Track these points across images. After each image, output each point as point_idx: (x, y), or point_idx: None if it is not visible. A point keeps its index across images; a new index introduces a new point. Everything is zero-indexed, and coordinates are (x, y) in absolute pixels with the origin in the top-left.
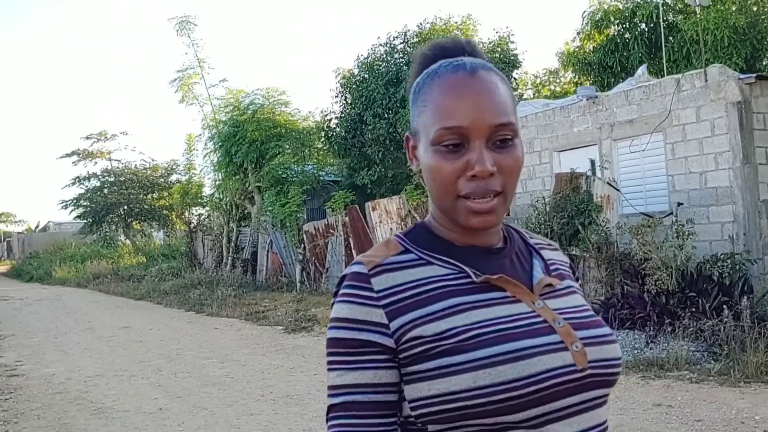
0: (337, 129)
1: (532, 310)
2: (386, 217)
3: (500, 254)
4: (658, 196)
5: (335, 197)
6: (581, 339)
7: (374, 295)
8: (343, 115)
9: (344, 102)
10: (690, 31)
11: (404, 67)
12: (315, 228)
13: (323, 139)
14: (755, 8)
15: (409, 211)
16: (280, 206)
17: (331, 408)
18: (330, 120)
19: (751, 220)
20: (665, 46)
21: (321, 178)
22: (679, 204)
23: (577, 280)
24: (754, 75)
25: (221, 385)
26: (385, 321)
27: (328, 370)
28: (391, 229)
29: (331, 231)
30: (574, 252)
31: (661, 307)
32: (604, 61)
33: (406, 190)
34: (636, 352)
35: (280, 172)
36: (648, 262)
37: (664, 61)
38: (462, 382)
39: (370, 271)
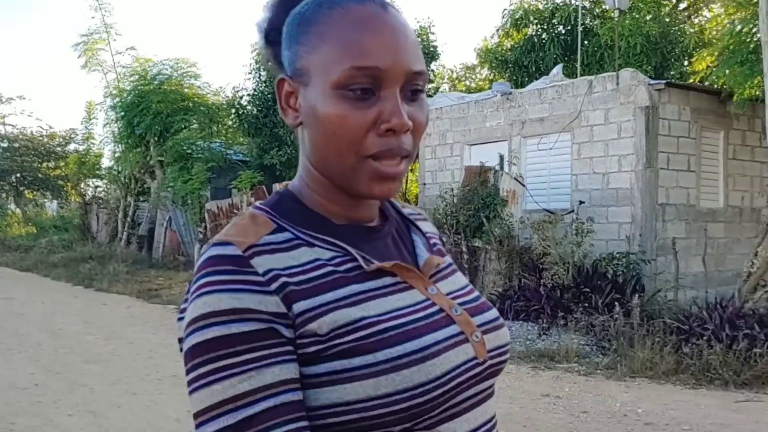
0: (249, 107)
1: (427, 298)
2: None
3: (382, 232)
4: (562, 194)
5: (242, 176)
6: (478, 326)
7: (261, 279)
8: (256, 93)
9: (258, 79)
10: (605, 36)
11: None
12: (218, 207)
13: (233, 116)
14: (668, 19)
15: None
16: (182, 183)
17: (244, 424)
18: (242, 97)
19: (648, 222)
20: (580, 49)
21: (228, 156)
22: (581, 202)
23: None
24: (664, 81)
25: (105, 362)
26: (283, 309)
27: (207, 383)
28: None
29: (235, 211)
30: (477, 244)
31: (555, 301)
32: (520, 60)
33: None
34: (528, 343)
35: (184, 148)
36: (547, 257)
37: (578, 64)
38: (360, 391)
39: (245, 253)
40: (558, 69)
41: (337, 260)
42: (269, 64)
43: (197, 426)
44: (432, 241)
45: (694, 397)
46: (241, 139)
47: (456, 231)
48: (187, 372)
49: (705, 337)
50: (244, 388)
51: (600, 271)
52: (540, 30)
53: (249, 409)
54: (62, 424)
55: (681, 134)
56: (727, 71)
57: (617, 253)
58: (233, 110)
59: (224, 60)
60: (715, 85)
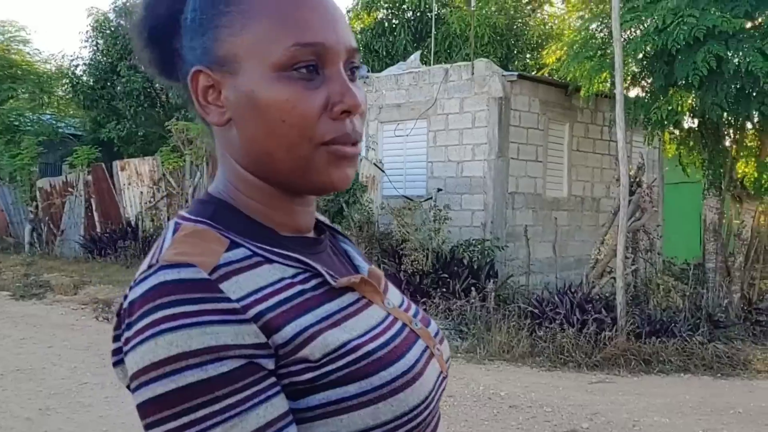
0: (84, 77)
1: (388, 314)
2: (137, 179)
3: (324, 244)
4: (418, 180)
5: (78, 152)
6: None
7: (236, 306)
8: (92, 63)
9: (95, 48)
10: (455, 24)
11: None
12: (51, 185)
13: (67, 86)
14: (513, 11)
15: (164, 175)
16: (9, 158)
17: None
18: (77, 66)
19: (498, 209)
20: (433, 36)
21: (60, 130)
22: (439, 190)
23: None
24: (516, 73)
25: None
26: (263, 339)
27: None
28: (141, 192)
29: (69, 190)
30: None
31: (415, 287)
32: (371, 44)
33: (161, 151)
34: None
35: (12, 119)
36: (406, 243)
37: (432, 51)
38: (358, 422)
39: (212, 275)
40: (416, 56)
41: (301, 277)
42: (151, 67)
43: None
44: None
45: (551, 379)
46: (73, 112)
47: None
48: (150, 426)
49: (557, 321)
50: None
51: (457, 257)
52: (390, 15)
53: None
54: None
55: (530, 125)
56: (577, 66)
57: (473, 239)
58: (67, 80)
59: (57, 26)
60: (564, 79)
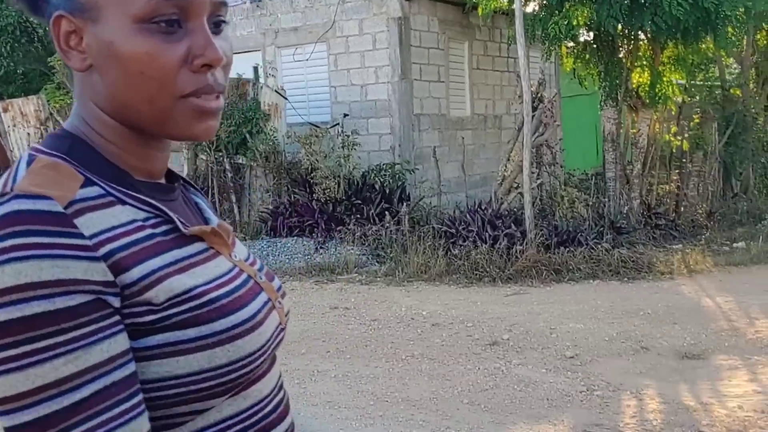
0: None
1: (234, 265)
2: (22, 120)
3: (176, 191)
4: (322, 106)
5: None
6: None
7: (88, 243)
8: None
9: None
10: None
11: None
12: None
13: None
14: None
15: (51, 114)
16: None
17: (72, 410)
18: None
19: (406, 132)
20: None
21: None
22: (345, 115)
23: None
24: None
25: None
26: (110, 278)
27: (20, 366)
28: (29, 134)
29: None
30: (241, 161)
31: (328, 215)
32: None
33: (46, 89)
34: (307, 258)
35: None
36: (316, 172)
37: None
38: (193, 364)
39: (67, 209)
40: None
41: (152, 221)
42: (19, 3)
43: (1, 414)
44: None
45: (469, 295)
46: None
47: (217, 148)
48: None
49: (470, 239)
50: (70, 371)
51: (369, 183)
52: None
53: (76, 393)
54: None
55: (431, 45)
56: None
57: (383, 164)
58: None
59: None
60: None
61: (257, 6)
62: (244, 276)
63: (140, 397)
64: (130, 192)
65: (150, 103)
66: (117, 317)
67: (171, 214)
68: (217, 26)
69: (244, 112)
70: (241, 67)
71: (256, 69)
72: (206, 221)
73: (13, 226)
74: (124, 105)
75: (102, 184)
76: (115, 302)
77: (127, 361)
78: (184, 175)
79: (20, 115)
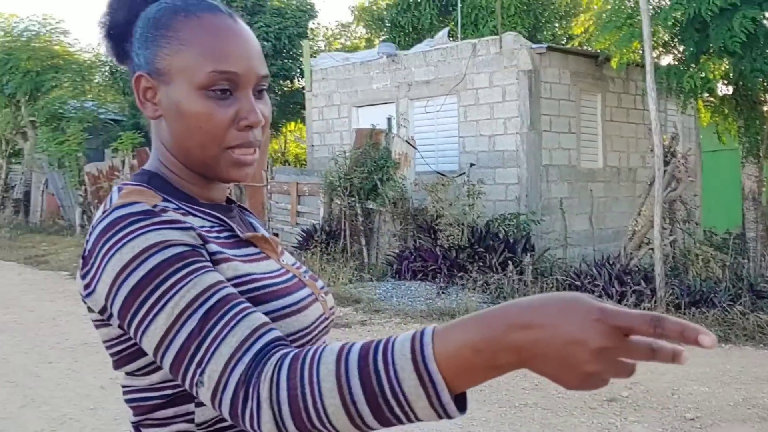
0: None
1: (281, 267)
2: None
3: (233, 212)
4: (450, 156)
5: (123, 138)
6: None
7: (179, 218)
8: None
9: None
10: None
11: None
12: (98, 170)
13: (107, 73)
14: None
15: None
16: (57, 144)
17: (207, 315)
18: None
19: (533, 182)
20: (455, 10)
21: (101, 116)
22: (471, 164)
23: None
24: (545, 45)
25: (10, 331)
26: (200, 242)
27: (164, 300)
28: None
29: (116, 173)
30: (371, 206)
31: (451, 261)
32: (396, 20)
33: None
34: (429, 302)
35: (56, 107)
36: (441, 219)
37: (459, 25)
38: None
39: (154, 208)
40: (443, 33)
41: (216, 228)
42: (109, 54)
43: (163, 353)
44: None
45: None
46: (112, 98)
47: (350, 194)
48: (136, 311)
49: (596, 293)
50: (194, 293)
51: (492, 232)
52: None
53: (203, 306)
54: None
55: (561, 97)
56: (607, 36)
57: (508, 213)
58: (107, 67)
59: (93, 16)
60: (594, 50)
61: (393, 60)
62: (290, 275)
63: (242, 302)
64: (197, 207)
65: (202, 150)
66: (209, 261)
67: (230, 223)
68: (260, 93)
69: (376, 161)
70: (376, 118)
71: (389, 120)
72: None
73: (121, 222)
74: (184, 149)
75: (175, 202)
76: (207, 249)
77: (223, 283)
78: (320, 217)
79: None
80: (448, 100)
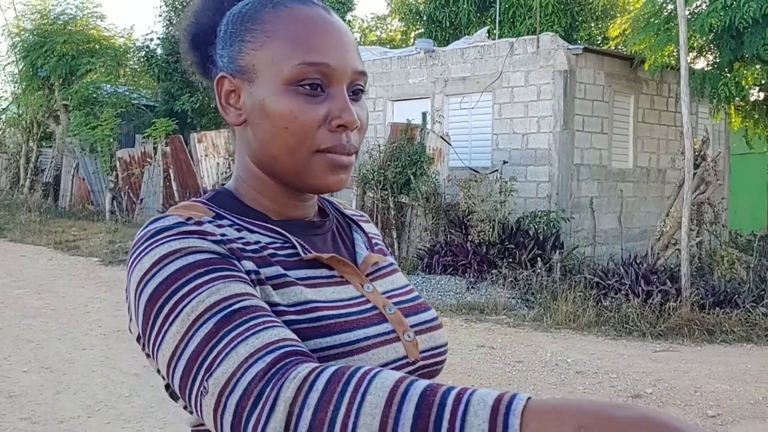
0: (158, 51)
1: (361, 295)
2: (213, 151)
3: (322, 228)
4: (483, 152)
5: (157, 124)
6: (412, 326)
7: (209, 230)
8: (167, 37)
9: (168, 22)
10: None
11: None
12: (130, 155)
13: (143, 60)
14: None
15: None
16: (89, 129)
17: (228, 318)
18: (151, 40)
19: (564, 181)
20: (493, 6)
21: (134, 101)
22: (504, 162)
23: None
24: (582, 47)
25: (43, 317)
26: (233, 256)
27: (183, 305)
28: (218, 163)
29: (148, 160)
30: (404, 200)
31: (481, 256)
32: (434, 15)
33: None
34: (458, 296)
35: (90, 91)
36: (473, 214)
37: (497, 23)
38: None
39: (187, 221)
40: (482, 32)
41: (277, 245)
42: (193, 67)
43: (174, 368)
44: (374, 240)
45: (616, 348)
46: (144, 83)
47: (383, 187)
48: (152, 325)
49: (623, 292)
50: (215, 299)
51: (523, 228)
52: None
53: (227, 309)
54: (21, 381)
55: (595, 98)
56: (643, 39)
57: (538, 211)
58: (143, 53)
59: (129, 1)
60: (630, 52)
61: (430, 56)
62: (367, 305)
63: (273, 317)
64: (258, 223)
65: (290, 155)
66: (247, 277)
67: (293, 239)
68: (355, 94)
69: (410, 155)
70: (411, 112)
71: (424, 115)
72: (354, 255)
73: (146, 237)
74: (270, 156)
75: (232, 218)
76: (240, 265)
77: (254, 296)
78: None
79: (212, 146)
80: (484, 98)
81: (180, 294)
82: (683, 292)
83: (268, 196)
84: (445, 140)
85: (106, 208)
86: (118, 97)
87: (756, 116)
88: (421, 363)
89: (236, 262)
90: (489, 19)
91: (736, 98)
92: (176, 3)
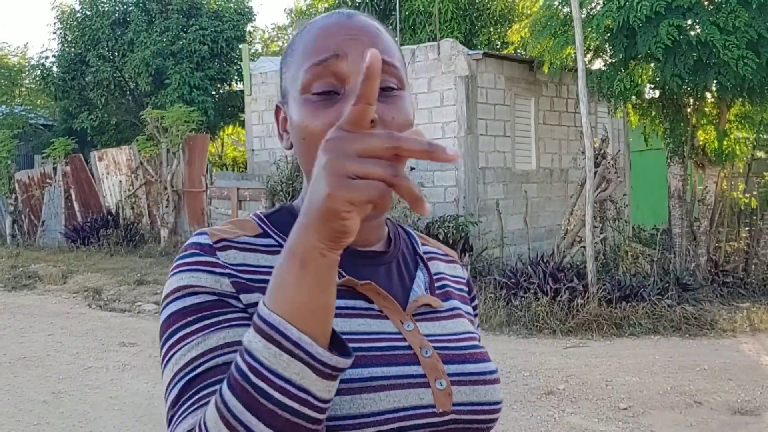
0: (54, 69)
1: (398, 331)
2: (114, 168)
3: (378, 259)
4: None
5: (55, 144)
6: (450, 375)
7: (219, 262)
8: (62, 54)
9: (64, 40)
10: (418, 2)
11: (132, 8)
12: (29, 177)
13: (38, 79)
14: None
15: (141, 163)
16: None
17: (188, 385)
18: (46, 58)
19: (470, 185)
20: (394, 14)
21: (31, 121)
22: (412, 168)
23: (473, 299)
24: (482, 52)
25: None
26: (233, 291)
27: (170, 355)
28: (120, 181)
29: (48, 181)
30: None
31: None
32: None
33: (137, 140)
34: None
35: None
36: None
37: (398, 30)
38: None
39: (215, 244)
40: None
41: None
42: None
43: (167, 393)
44: (441, 282)
45: (528, 346)
46: (42, 102)
47: (292, 198)
48: (163, 344)
49: (532, 291)
50: (192, 354)
51: (433, 233)
52: None
53: (192, 372)
54: None
55: (497, 102)
56: (541, 43)
57: (447, 215)
58: (38, 71)
59: (19, 19)
60: (529, 55)
61: None
62: (401, 344)
63: (217, 386)
64: None
65: (311, 168)
66: (241, 314)
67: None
68: (386, 90)
69: None
70: None
71: None
72: (407, 291)
73: (185, 251)
74: (306, 172)
75: (277, 237)
76: (239, 304)
77: (229, 345)
78: None
79: (113, 164)
80: None
81: (173, 340)
82: (590, 288)
83: None
84: None
85: (7, 232)
86: (14, 117)
87: (653, 113)
88: (453, 416)
89: (232, 301)
90: (390, 27)
91: (632, 96)
92: (70, 20)
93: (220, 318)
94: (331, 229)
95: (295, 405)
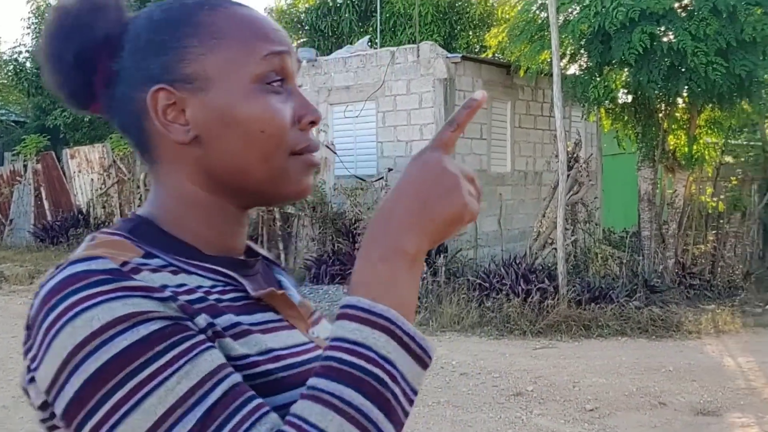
0: (28, 64)
1: (310, 341)
2: (86, 167)
3: (254, 268)
4: (368, 160)
5: (27, 141)
6: None
7: (155, 286)
8: (35, 49)
9: (38, 34)
10: (399, 4)
11: None
12: None
13: (11, 74)
14: None
15: (114, 161)
16: None
17: (204, 420)
18: (20, 53)
19: None
20: (375, 16)
21: (2, 117)
22: (389, 169)
23: None
24: (460, 55)
25: None
26: (185, 314)
27: (135, 404)
28: (92, 179)
29: (17, 179)
30: (290, 210)
31: None
32: (316, 24)
33: (110, 138)
34: None
35: None
36: (360, 222)
37: (378, 32)
38: None
39: (123, 267)
40: (364, 41)
41: (219, 288)
42: (62, 90)
43: None
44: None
45: (498, 347)
46: (14, 98)
47: None
48: (93, 409)
49: (504, 292)
50: (186, 386)
51: None
52: None
53: (203, 404)
54: None
55: None
56: (519, 47)
57: None
58: (11, 66)
59: None
60: (507, 59)
61: (313, 65)
62: (316, 352)
63: (259, 399)
64: (194, 262)
65: (266, 161)
66: (204, 335)
67: (237, 277)
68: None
69: None
70: None
71: None
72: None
73: (71, 286)
74: (237, 169)
75: (163, 257)
76: (195, 327)
77: (227, 365)
78: None
79: (86, 162)
80: (367, 106)
81: (140, 378)
82: (560, 289)
83: (207, 223)
84: (330, 149)
85: None
86: None
87: (625, 118)
88: None
89: (190, 324)
90: (371, 29)
91: (606, 101)
92: (44, 14)
93: (194, 341)
94: (448, 233)
95: (409, 408)
